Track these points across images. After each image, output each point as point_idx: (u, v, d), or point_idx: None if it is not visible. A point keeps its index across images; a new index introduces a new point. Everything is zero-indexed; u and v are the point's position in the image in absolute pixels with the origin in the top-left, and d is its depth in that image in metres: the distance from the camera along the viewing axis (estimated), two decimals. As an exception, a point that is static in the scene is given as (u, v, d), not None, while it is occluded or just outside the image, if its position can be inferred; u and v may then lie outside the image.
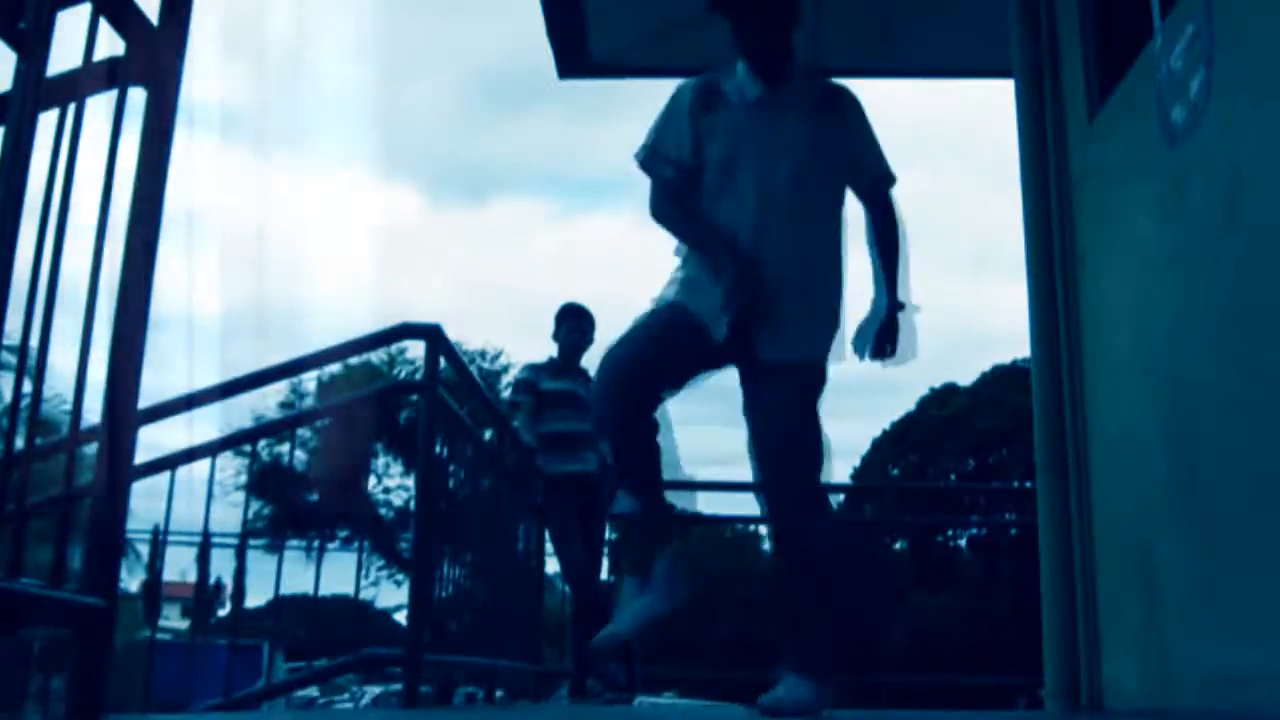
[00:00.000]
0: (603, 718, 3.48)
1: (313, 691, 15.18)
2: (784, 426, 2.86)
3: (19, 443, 1.80)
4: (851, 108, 2.95)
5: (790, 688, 2.71)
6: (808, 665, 2.74)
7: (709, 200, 2.87)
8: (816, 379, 2.91)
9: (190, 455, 3.89)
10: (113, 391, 1.81)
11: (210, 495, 3.99)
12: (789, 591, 2.90)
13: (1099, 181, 3.83)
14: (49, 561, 1.66)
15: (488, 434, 5.68)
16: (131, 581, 18.10)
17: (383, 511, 22.37)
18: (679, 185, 2.89)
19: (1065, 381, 3.99)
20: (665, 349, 2.82)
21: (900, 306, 2.98)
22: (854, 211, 3.03)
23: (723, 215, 2.84)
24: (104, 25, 1.71)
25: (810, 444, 2.86)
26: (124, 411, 1.84)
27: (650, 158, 2.92)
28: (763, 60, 2.91)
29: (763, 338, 2.82)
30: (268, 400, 18.47)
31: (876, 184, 2.97)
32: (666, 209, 2.93)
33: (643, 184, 2.98)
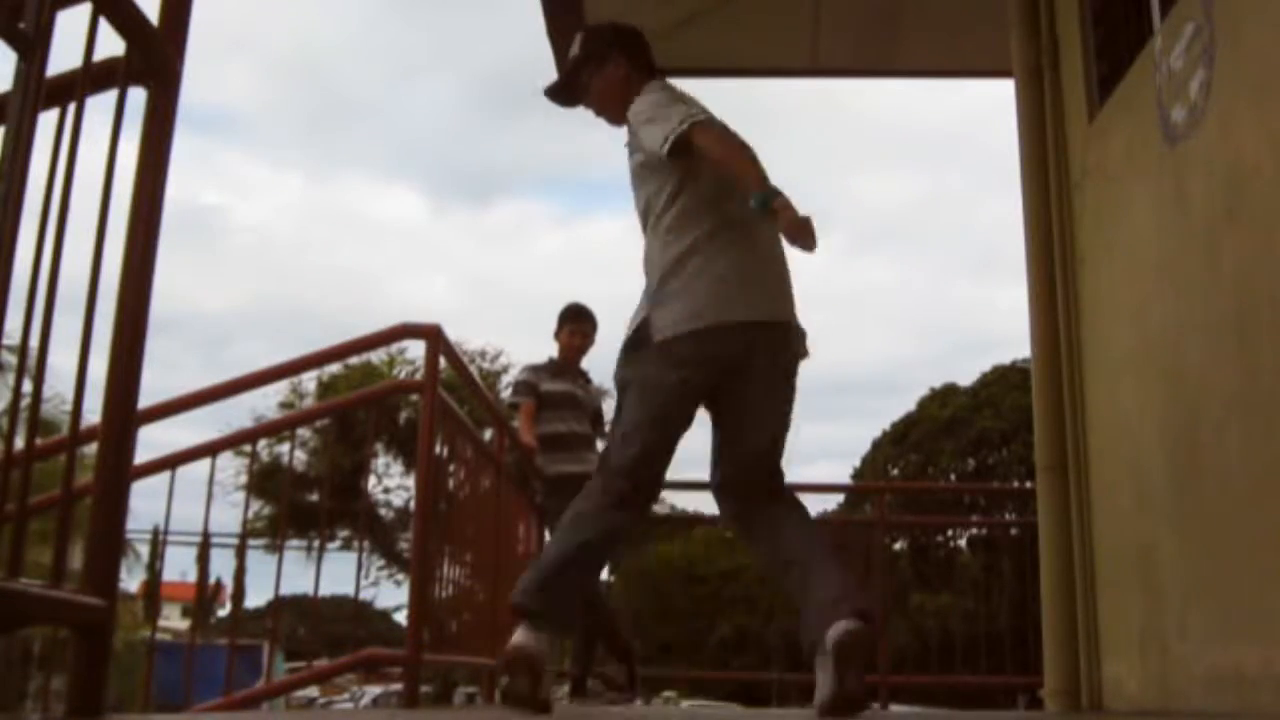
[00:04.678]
0: (602, 718, 3.47)
1: (313, 691, 15.19)
2: None
3: (19, 442, 1.80)
4: (631, 112, 2.93)
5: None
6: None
7: None
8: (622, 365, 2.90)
9: (190, 455, 3.89)
10: (113, 391, 1.81)
11: (210, 495, 3.99)
12: None
13: (1099, 181, 3.83)
14: (49, 561, 1.66)
15: (488, 434, 5.68)
16: (131, 581, 18.12)
17: (383, 511, 22.34)
18: None
19: (1065, 381, 3.99)
20: None
21: (770, 199, 2.63)
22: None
23: None
24: (104, 25, 1.71)
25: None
26: (124, 411, 1.84)
27: None
28: (611, 118, 3.09)
29: None
30: (268, 400, 18.48)
31: (666, 145, 2.74)
32: None
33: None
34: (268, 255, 60.73)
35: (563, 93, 3.19)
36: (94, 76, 1.72)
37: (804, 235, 2.67)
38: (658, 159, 2.80)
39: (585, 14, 5.00)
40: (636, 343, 2.81)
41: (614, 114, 3.07)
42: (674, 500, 9.92)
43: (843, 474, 27.40)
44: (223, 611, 22.13)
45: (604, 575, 6.25)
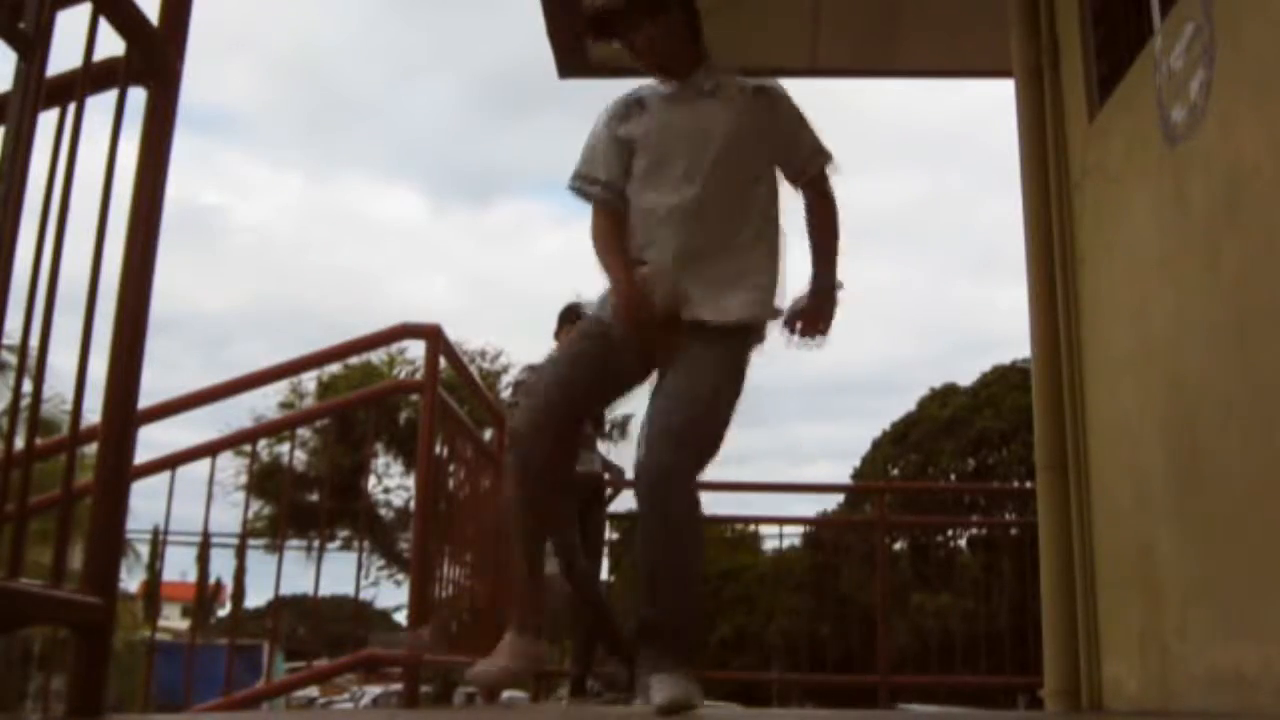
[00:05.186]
0: (603, 718, 3.47)
1: (313, 691, 15.17)
2: (686, 383, 2.79)
3: (19, 442, 1.80)
4: (781, 97, 3.00)
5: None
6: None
7: (635, 195, 2.92)
8: (737, 343, 2.87)
9: (190, 455, 3.89)
10: (113, 391, 1.81)
11: (210, 495, 3.99)
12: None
13: (1099, 181, 3.83)
14: (49, 561, 1.66)
15: (488, 434, 5.68)
16: (131, 581, 18.11)
17: (383, 511, 22.34)
18: (614, 204, 2.95)
19: (1065, 381, 3.99)
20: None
21: (839, 287, 2.97)
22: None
23: (648, 203, 2.89)
24: (104, 25, 1.71)
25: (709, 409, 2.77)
26: (124, 411, 1.84)
27: (577, 182, 3.01)
28: (655, 64, 3.02)
29: (690, 308, 2.83)
30: (268, 400, 18.46)
31: (808, 168, 2.97)
32: (598, 239, 2.95)
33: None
34: (268, 255, 60.75)
35: (602, 26, 3.07)
36: (94, 76, 1.72)
37: (825, 325, 2.94)
38: (772, 158, 2.94)
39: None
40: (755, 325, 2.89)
41: (664, 62, 2.98)
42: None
43: (843, 474, 27.40)
44: (223, 611, 22.12)
45: (604, 575, 6.25)
